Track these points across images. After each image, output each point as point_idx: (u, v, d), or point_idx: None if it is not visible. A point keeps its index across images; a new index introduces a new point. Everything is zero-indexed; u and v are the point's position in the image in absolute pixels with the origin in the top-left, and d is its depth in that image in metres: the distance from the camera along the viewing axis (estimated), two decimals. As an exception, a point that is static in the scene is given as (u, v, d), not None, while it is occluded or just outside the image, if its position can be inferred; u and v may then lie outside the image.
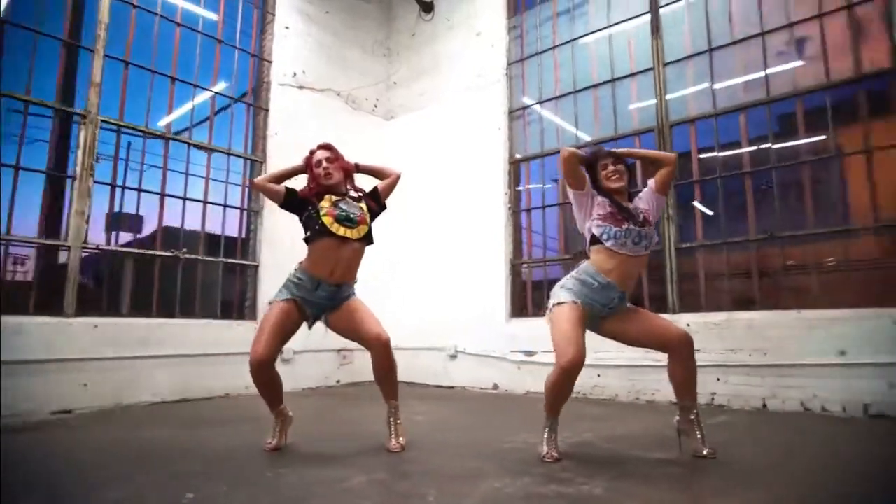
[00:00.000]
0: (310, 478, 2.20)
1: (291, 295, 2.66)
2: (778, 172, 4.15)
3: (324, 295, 2.68)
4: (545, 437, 2.53)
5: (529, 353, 5.04)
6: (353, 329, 2.73)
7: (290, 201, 2.77)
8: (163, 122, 5.09)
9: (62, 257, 4.15)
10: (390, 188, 2.98)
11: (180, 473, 2.27)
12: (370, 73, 6.61)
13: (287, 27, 5.77)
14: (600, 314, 2.56)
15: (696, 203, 4.62)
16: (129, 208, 7.30)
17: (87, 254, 4.36)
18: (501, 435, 3.07)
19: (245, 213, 5.33)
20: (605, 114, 5.07)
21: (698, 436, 2.50)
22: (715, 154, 4.50)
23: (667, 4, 4.79)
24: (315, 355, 5.51)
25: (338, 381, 5.73)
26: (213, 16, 5.28)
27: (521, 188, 5.62)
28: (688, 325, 4.17)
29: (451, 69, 6.20)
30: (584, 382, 4.60)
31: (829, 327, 3.65)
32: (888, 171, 3.75)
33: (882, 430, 3.15)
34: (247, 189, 5.39)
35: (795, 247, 4.14)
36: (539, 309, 5.25)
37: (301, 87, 5.80)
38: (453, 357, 5.55)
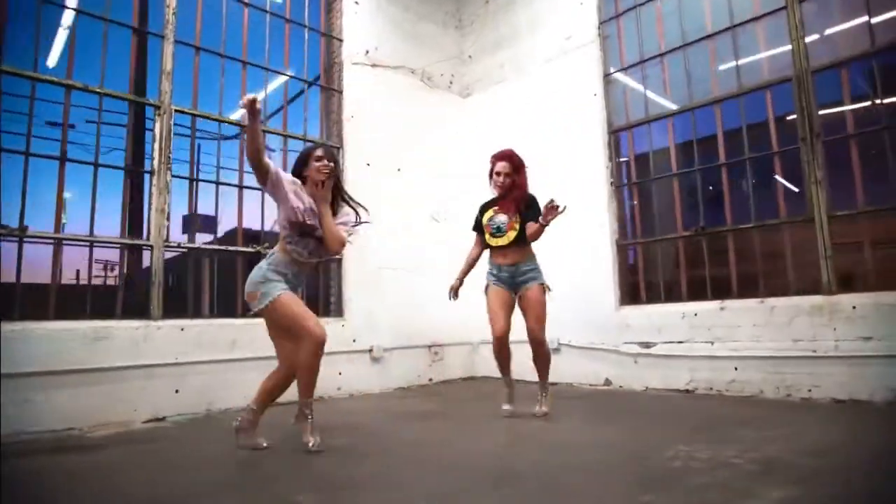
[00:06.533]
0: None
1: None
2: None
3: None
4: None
5: (646, 345, 4.47)
6: None
7: None
8: (236, 115, 4.77)
9: (145, 258, 3.92)
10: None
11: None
12: (443, 48, 6.14)
13: (357, 2, 5.36)
14: None
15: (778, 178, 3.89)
16: (202, 208, 7.20)
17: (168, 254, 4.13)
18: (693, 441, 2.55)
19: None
20: (726, 67, 4.38)
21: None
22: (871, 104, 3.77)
23: (800, -70, 4.06)
24: (404, 352, 5.15)
25: (430, 380, 5.34)
26: (279, -6, 4.94)
27: (624, 159, 5.02)
28: (853, 307, 3.51)
29: (533, 35, 5.63)
30: (717, 377, 4.01)
31: None
32: None
33: None
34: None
35: None
36: (654, 295, 4.66)
37: (374, 66, 5.39)
38: (556, 350, 5.03)
